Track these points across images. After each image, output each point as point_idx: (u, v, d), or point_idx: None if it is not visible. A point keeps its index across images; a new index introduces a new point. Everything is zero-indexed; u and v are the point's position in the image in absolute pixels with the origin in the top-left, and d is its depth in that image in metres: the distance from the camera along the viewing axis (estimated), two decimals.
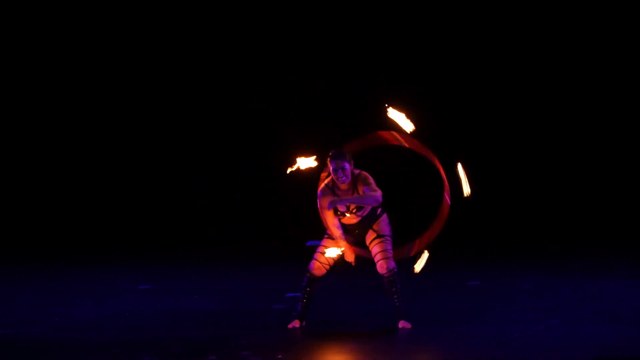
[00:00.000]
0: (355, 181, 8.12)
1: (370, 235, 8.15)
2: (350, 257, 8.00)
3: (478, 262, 11.85)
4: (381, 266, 8.00)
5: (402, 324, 7.84)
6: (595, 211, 14.70)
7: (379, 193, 7.95)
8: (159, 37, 15.08)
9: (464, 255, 12.54)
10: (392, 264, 7.95)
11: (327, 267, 8.05)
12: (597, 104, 14.74)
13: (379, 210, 8.18)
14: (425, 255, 7.96)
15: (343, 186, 8.11)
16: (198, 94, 15.09)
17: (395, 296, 7.88)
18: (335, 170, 8.04)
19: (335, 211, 8.12)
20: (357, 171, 8.18)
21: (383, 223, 8.20)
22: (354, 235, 8.14)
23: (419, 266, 7.92)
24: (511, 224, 14.73)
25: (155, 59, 15.12)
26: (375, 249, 8.07)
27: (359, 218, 8.18)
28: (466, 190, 8.01)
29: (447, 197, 8.11)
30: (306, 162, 8.26)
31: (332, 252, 7.93)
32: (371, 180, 8.07)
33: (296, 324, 7.97)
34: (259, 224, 14.54)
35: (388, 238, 8.09)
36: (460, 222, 14.60)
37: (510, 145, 14.89)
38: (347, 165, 8.06)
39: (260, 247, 13.90)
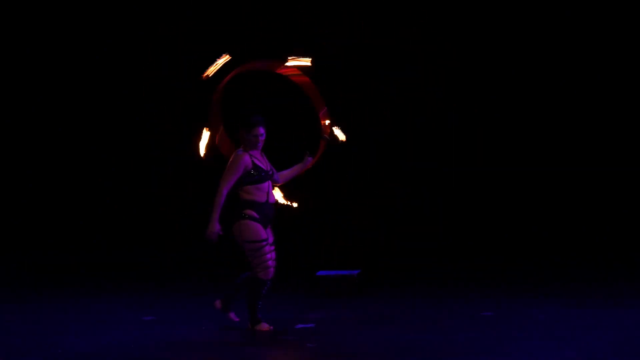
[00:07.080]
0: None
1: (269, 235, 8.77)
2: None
3: (492, 290, 11.78)
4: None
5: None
6: (616, 236, 14.67)
7: None
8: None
9: (477, 284, 12.50)
10: None
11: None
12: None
13: None
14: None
15: (258, 154, 8.54)
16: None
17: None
18: (260, 135, 8.44)
19: (260, 179, 8.40)
20: None
21: None
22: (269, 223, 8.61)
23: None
24: (525, 249, 14.78)
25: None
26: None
27: (274, 201, 8.80)
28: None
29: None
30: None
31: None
32: None
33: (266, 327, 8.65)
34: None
35: None
36: (472, 246, 14.88)
37: (525, 157, 15.00)
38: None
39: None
